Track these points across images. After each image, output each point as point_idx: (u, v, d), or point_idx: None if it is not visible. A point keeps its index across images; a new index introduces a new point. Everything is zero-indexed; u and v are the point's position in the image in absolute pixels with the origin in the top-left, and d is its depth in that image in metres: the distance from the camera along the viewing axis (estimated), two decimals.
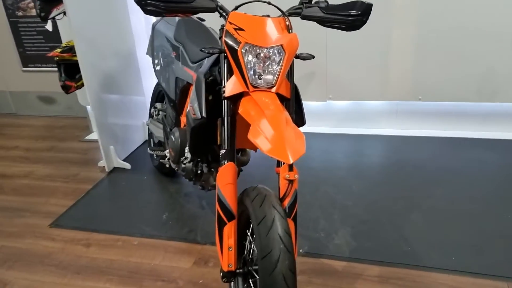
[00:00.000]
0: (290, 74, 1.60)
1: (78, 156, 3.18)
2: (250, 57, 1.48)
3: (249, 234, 1.56)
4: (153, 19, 2.97)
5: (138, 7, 1.48)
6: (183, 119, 2.14)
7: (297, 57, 1.62)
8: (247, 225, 1.57)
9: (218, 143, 1.57)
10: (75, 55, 2.57)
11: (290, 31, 1.56)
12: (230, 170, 1.49)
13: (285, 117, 1.38)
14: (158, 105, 2.61)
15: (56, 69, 2.86)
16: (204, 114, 1.59)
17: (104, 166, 2.89)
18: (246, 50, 1.46)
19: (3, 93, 4.05)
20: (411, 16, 2.79)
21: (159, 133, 2.46)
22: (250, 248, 1.57)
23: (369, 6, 1.61)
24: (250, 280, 1.51)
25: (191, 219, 2.32)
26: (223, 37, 1.49)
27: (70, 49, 2.74)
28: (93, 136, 3.41)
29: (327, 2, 1.67)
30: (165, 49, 2.30)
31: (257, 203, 1.40)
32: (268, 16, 1.60)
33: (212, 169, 1.98)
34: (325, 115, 3.30)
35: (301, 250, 2.01)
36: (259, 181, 2.48)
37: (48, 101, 3.96)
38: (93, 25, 2.65)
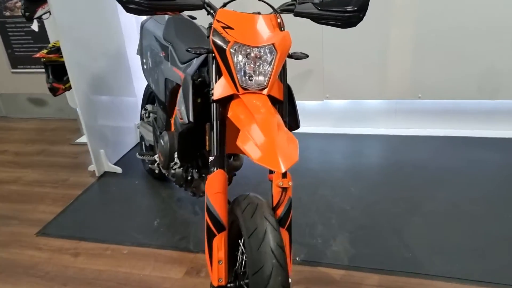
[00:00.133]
0: (282, 75, 1.51)
1: (68, 160, 3.09)
2: (240, 57, 1.39)
3: (241, 244, 1.48)
4: (142, 17, 2.87)
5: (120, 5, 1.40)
6: (173, 122, 2.06)
7: (290, 56, 1.53)
8: (240, 234, 1.48)
9: (207, 149, 1.48)
10: (63, 56, 2.47)
11: (282, 29, 1.47)
12: (220, 178, 1.40)
13: (277, 121, 1.30)
14: (149, 106, 2.52)
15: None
16: (191, 119, 1.50)
17: (94, 171, 2.79)
18: (235, 50, 1.38)
19: None
20: (411, 12, 2.70)
21: (149, 137, 2.37)
22: (242, 260, 1.48)
23: (366, 2, 1.52)
24: None
25: (183, 226, 2.23)
26: (211, 36, 1.40)
27: (57, 50, 2.64)
28: (84, 139, 3.29)
29: None
30: (154, 49, 2.21)
31: (248, 214, 1.31)
32: (259, 13, 1.51)
33: (203, 175, 1.89)
34: (322, 115, 3.21)
35: (297, 258, 1.92)
36: (255, 184, 2.41)
37: (39, 103, 3.87)
38: (80, 24, 2.55)
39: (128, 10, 1.40)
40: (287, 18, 1.57)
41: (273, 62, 1.41)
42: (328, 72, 2.97)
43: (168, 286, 1.84)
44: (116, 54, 2.89)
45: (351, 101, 3.14)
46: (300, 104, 3.16)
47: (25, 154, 3.25)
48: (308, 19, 1.56)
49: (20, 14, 2.78)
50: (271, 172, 1.43)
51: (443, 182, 2.43)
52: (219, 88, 1.42)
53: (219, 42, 1.38)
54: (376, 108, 3.11)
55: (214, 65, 1.46)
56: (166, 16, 2.27)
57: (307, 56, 1.55)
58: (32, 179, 2.86)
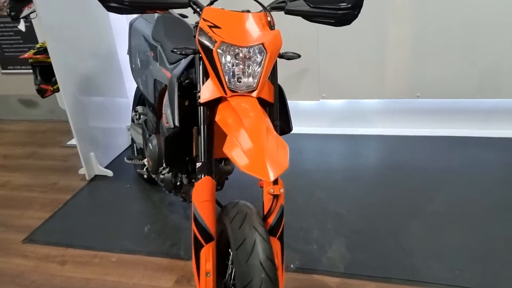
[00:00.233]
0: (273, 76, 1.44)
1: (59, 163, 3.02)
2: (228, 58, 1.31)
3: (232, 253, 1.40)
4: (132, 16, 2.79)
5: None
6: (160, 125, 1.98)
7: (281, 56, 1.46)
8: (229, 244, 1.42)
9: (194, 155, 1.41)
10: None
11: (273, 27, 1.40)
12: (207, 185, 1.33)
13: (267, 126, 1.22)
14: (139, 108, 2.44)
15: None
16: (176, 123, 1.42)
17: (84, 174, 2.72)
18: (222, 50, 1.30)
19: None
20: (409, 9, 2.62)
21: (139, 139, 2.29)
22: (232, 271, 1.41)
23: None
24: None
25: (175, 231, 2.16)
26: (197, 36, 1.33)
27: (45, 50, 2.56)
28: (75, 141, 3.24)
29: None
30: (142, 49, 2.13)
31: (236, 224, 1.24)
32: (248, 11, 1.43)
33: (193, 180, 1.81)
34: (318, 115, 3.13)
35: (291, 265, 1.85)
36: (248, 187, 2.33)
37: (30, 104, 3.79)
38: (68, 23, 2.47)
39: (109, 8, 1.33)
40: (280, 15, 1.50)
41: (262, 62, 1.34)
42: (324, 71, 2.89)
43: None
44: (106, 54, 2.81)
45: (348, 101, 3.07)
46: (295, 104, 3.14)
47: (15, 157, 3.18)
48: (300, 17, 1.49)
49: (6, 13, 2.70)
50: None
51: (442, 184, 2.36)
52: (206, 91, 1.35)
53: (206, 42, 1.31)
54: (374, 108, 3.04)
55: (201, 66, 1.39)
56: (156, 15, 2.19)
57: (299, 56, 1.47)
58: (21, 183, 2.79)
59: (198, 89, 1.37)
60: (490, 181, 2.35)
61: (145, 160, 2.06)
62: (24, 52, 2.68)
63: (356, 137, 3.00)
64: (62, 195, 2.59)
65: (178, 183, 1.80)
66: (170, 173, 1.81)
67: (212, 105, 1.37)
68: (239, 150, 1.14)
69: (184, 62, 1.60)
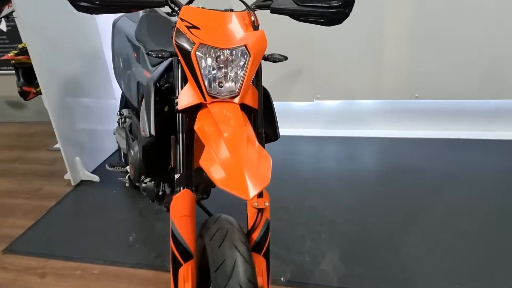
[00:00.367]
0: (257, 80, 1.34)
1: (44, 167, 2.92)
2: (207, 61, 1.21)
3: (211, 275, 1.30)
4: (116, 15, 2.68)
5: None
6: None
7: (266, 59, 1.35)
8: None
9: (172, 165, 1.31)
10: None
11: (257, 28, 1.30)
12: (186, 199, 1.23)
13: (248, 136, 1.12)
14: (125, 111, 2.34)
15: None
16: (152, 132, 1.32)
17: (70, 179, 2.62)
18: (201, 53, 1.20)
19: None
20: (407, 5, 2.51)
21: (123, 145, 2.19)
22: None
23: None
24: None
25: (161, 241, 2.06)
26: (173, 37, 1.23)
27: (27, 51, 2.45)
28: (59, 145, 3.14)
29: None
30: (125, 50, 2.03)
31: (216, 243, 1.14)
32: (232, 10, 1.33)
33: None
34: (312, 117, 3.03)
35: (282, 279, 1.75)
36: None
37: (17, 106, 3.68)
38: (50, 22, 2.36)
39: (78, 8, 1.22)
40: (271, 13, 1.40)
41: (246, 66, 1.23)
42: (318, 71, 2.79)
43: None
44: (91, 54, 2.71)
45: (343, 102, 2.97)
46: (289, 105, 3.03)
47: (0, 161, 3.07)
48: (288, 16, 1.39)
49: None
50: None
51: (441, 190, 2.26)
52: (184, 97, 1.25)
53: (183, 44, 1.20)
54: (370, 109, 2.94)
55: (179, 70, 1.29)
56: (140, 13, 2.09)
57: (285, 58, 1.37)
58: (4, 189, 2.69)
59: (176, 95, 1.27)
60: (492, 187, 2.25)
61: (128, 167, 1.96)
62: (7, 53, 2.58)
63: (352, 139, 2.90)
64: (46, 201, 2.49)
65: (161, 193, 1.70)
66: (153, 182, 1.71)
67: (192, 111, 1.27)
68: (216, 163, 1.03)
69: (163, 65, 1.50)
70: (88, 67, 2.68)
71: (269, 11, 1.36)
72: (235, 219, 1.26)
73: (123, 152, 2.47)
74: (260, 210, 1.24)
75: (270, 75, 2.76)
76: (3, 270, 1.98)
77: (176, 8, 1.30)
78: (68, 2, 1.21)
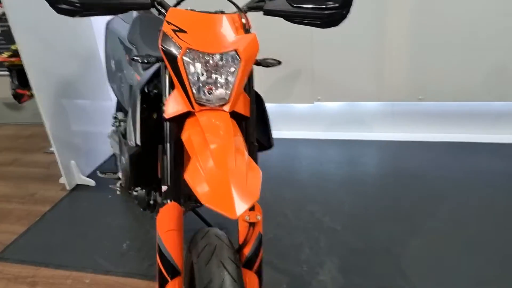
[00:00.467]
0: (249, 86, 1.27)
1: (40, 171, 2.87)
2: (195, 67, 1.15)
3: None
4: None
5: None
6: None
7: (258, 63, 1.29)
8: None
9: (159, 176, 1.25)
10: None
11: (248, 31, 1.23)
12: (173, 212, 1.17)
13: (237, 147, 1.06)
14: (120, 114, 2.27)
15: None
16: (138, 142, 1.26)
17: (65, 184, 2.57)
18: (188, 58, 1.13)
19: None
20: (410, 4, 2.43)
21: (117, 150, 2.13)
22: None
23: None
24: None
25: (154, 249, 1.99)
26: (159, 41, 1.16)
27: None
28: (54, 149, 3.09)
29: None
30: (117, 52, 1.97)
31: (203, 260, 1.07)
32: (222, 12, 1.26)
33: None
34: (313, 119, 2.96)
35: None
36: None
37: (15, 107, 3.64)
38: (42, 23, 2.30)
39: (59, 11, 1.16)
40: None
41: (236, 71, 1.17)
42: (319, 72, 2.72)
43: None
44: (86, 55, 2.64)
45: (344, 104, 2.90)
46: (288, 107, 2.96)
47: None
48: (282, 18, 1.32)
49: None
50: None
51: (446, 196, 2.19)
52: (172, 104, 1.19)
53: (169, 49, 1.14)
54: (372, 111, 2.87)
55: (166, 76, 1.22)
56: (134, 14, 2.03)
57: (279, 62, 1.30)
58: None
59: (163, 102, 1.21)
60: (499, 193, 2.17)
61: (120, 173, 1.90)
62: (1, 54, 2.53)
63: (353, 142, 2.83)
64: (40, 206, 2.44)
65: (152, 202, 1.64)
66: (144, 190, 1.64)
67: (180, 120, 1.20)
68: (201, 177, 0.97)
69: (152, 70, 1.43)
70: (83, 68, 2.62)
71: (262, 13, 1.29)
72: (226, 232, 1.19)
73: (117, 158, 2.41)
74: (252, 224, 1.18)
75: (269, 76, 2.69)
76: None
77: (163, 11, 1.24)
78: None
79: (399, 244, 1.88)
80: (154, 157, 1.40)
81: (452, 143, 2.68)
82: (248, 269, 1.17)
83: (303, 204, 2.23)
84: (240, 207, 0.90)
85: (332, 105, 2.92)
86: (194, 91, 1.15)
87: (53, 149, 2.52)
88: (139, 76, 1.68)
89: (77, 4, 1.13)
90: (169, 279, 1.13)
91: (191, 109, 1.16)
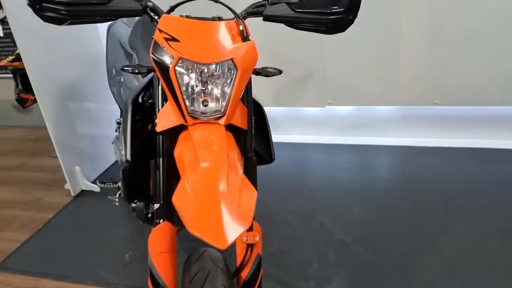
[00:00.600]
0: (247, 97, 1.19)
1: (46, 175, 2.83)
2: (188, 78, 1.07)
3: None
4: None
5: None
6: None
7: (257, 73, 1.20)
8: None
9: (151, 193, 1.18)
10: None
11: (246, 38, 1.14)
12: (166, 233, 1.10)
13: (232, 164, 0.98)
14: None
15: None
16: (128, 157, 1.19)
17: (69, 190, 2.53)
18: (181, 69, 1.06)
19: None
20: (424, 3, 2.32)
21: (119, 157, 2.07)
22: None
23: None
24: None
25: None
26: (150, 50, 1.09)
27: None
28: (58, 154, 3.05)
29: None
30: (118, 57, 1.91)
31: (196, 286, 1.00)
32: (220, 18, 1.18)
33: None
34: (324, 123, 2.87)
35: None
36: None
37: (23, 110, 3.61)
38: (45, 26, 2.23)
39: (45, 19, 1.10)
40: None
41: (232, 82, 1.09)
42: (330, 75, 2.62)
43: None
44: (92, 59, 2.59)
45: (356, 108, 2.80)
46: (299, 111, 2.86)
47: (3, 168, 3.01)
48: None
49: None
50: None
51: (464, 206, 2.07)
52: (164, 117, 1.12)
53: (161, 59, 1.07)
54: (386, 116, 2.76)
55: (159, 87, 1.15)
56: (136, 17, 1.97)
57: (280, 72, 1.22)
58: (4, 199, 2.61)
59: (155, 115, 1.14)
60: None
61: (119, 183, 1.84)
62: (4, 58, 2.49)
63: (366, 148, 2.73)
64: (44, 213, 2.40)
65: (150, 215, 1.57)
66: (142, 203, 1.58)
67: (174, 133, 1.13)
68: (189, 200, 0.89)
69: (147, 78, 1.36)
70: (87, 71, 2.57)
71: (261, 18, 1.21)
72: (223, 252, 1.11)
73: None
74: (250, 246, 1.10)
75: (279, 79, 2.59)
76: None
77: (156, 17, 1.17)
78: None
79: (412, 259, 1.78)
80: (146, 171, 1.33)
81: (470, 149, 2.56)
82: None
83: (312, 214, 2.14)
84: (230, 236, 0.82)
85: (343, 109, 2.82)
86: (187, 103, 1.08)
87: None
88: (138, 82, 1.61)
89: (63, 12, 1.06)
90: None
91: (183, 122, 1.09)
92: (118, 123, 2.24)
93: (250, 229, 1.11)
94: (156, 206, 1.13)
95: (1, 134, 3.59)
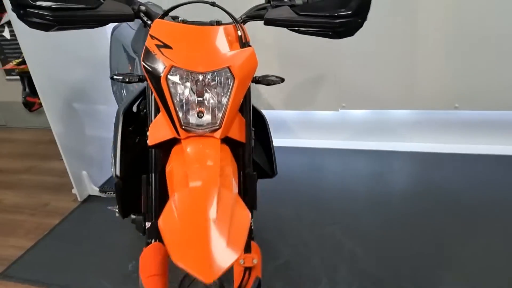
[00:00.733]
0: (245, 107, 1.10)
1: (55, 179, 2.80)
2: (181, 88, 0.99)
3: None
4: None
5: None
6: None
7: (257, 81, 1.12)
8: None
9: (142, 211, 1.11)
10: None
11: (245, 44, 1.06)
12: (157, 254, 1.03)
13: (225, 183, 0.90)
14: None
15: None
16: (117, 173, 1.11)
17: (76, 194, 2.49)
18: (174, 78, 0.98)
19: None
20: (444, 3, 2.19)
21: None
22: None
23: (367, 1, 1.09)
24: None
25: None
26: (142, 58, 1.01)
27: None
28: (64, 159, 3.02)
29: None
30: (121, 61, 1.85)
31: None
32: (218, 22, 1.10)
33: None
34: (337, 127, 2.76)
35: None
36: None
37: (36, 111, 3.60)
38: None
39: (31, 25, 1.03)
40: None
41: (229, 92, 1.01)
42: (343, 77, 2.51)
43: None
44: (99, 60, 2.52)
45: (372, 111, 2.68)
46: (312, 114, 2.76)
47: (12, 171, 2.99)
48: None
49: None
50: None
51: (488, 221, 1.94)
52: (156, 130, 1.04)
53: (152, 67, 0.99)
54: (403, 120, 2.64)
55: (152, 97, 1.08)
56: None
57: (282, 80, 1.13)
58: (12, 203, 2.59)
59: (147, 127, 1.06)
60: None
61: None
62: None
63: (381, 153, 2.61)
64: (50, 219, 2.36)
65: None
66: (141, 216, 1.51)
67: (167, 147, 1.06)
68: (175, 225, 0.81)
69: (141, 86, 1.29)
70: (94, 73, 2.52)
71: (262, 22, 1.13)
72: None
73: None
74: (248, 269, 1.02)
75: (291, 81, 2.51)
76: None
77: (149, 22, 1.09)
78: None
79: (429, 275, 1.67)
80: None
81: (494, 156, 2.41)
82: None
83: (323, 224, 2.04)
84: (218, 268, 0.74)
85: (358, 113, 2.71)
86: (180, 115, 1.00)
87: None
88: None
89: (49, 18, 0.99)
90: None
91: (176, 136, 1.01)
92: None
93: (248, 250, 1.02)
94: (148, 225, 1.05)
95: (14, 136, 3.59)
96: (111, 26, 2.55)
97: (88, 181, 2.48)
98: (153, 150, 1.05)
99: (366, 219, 2.05)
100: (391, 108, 2.57)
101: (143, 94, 1.26)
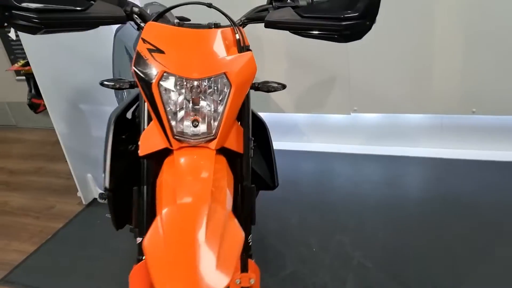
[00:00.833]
0: (243, 115, 1.03)
1: (61, 181, 2.78)
2: (174, 95, 0.93)
3: None
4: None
5: None
6: None
7: (257, 88, 1.05)
8: None
9: (133, 226, 1.05)
10: None
11: (244, 49, 0.99)
12: (148, 273, 0.96)
13: (218, 199, 0.83)
14: None
15: None
16: (106, 184, 1.06)
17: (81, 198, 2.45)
18: (166, 85, 0.92)
19: (1, 104, 3.73)
20: (462, 3, 2.09)
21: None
22: None
23: (375, 3, 1.01)
24: None
25: None
26: (132, 63, 0.95)
27: None
28: (68, 162, 3.00)
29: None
30: (124, 63, 1.80)
31: None
32: (216, 25, 1.04)
33: None
34: (348, 132, 2.67)
35: None
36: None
37: (45, 111, 3.59)
38: None
39: (17, 27, 0.98)
40: None
41: (225, 100, 0.94)
42: (355, 80, 2.42)
43: None
44: (104, 60, 2.47)
45: (384, 115, 2.58)
46: (322, 117, 2.68)
47: (20, 172, 2.98)
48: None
49: None
50: None
51: (508, 231, 1.84)
52: (147, 140, 0.98)
53: (144, 72, 0.93)
54: (417, 124, 2.54)
55: (145, 104, 1.02)
56: None
57: (284, 86, 1.06)
58: (18, 205, 2.57)
59: (139, 136, 1.00)
60: None
61: None
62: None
63: (394, 159, 2.51)
64: (54, 222, 2.34)
65: None
66: None
67: (160, 157, 1.00)
68: (159, 246, 0.75)
69: (135, 91, 1.23)
70: (99, 74, 2.44)
71: (263, 25, 1.06)
72: None
73: None
74: None
75: (300, 83, 2.43)
76: None
77: (143, 24, 1.03)
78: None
79: None
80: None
81: None
82: None
83: (332, 232, 1.96)
84: None
85: (370, 117, 2.62)
86: (173, 124, 0.94)
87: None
88: None
89: (35, 20, 0.94)
90: None
91: (168, 146, 0.95)
92: None
93: (245, 269, 0.96)
94: (139, 240, 0.99)
95: (23, 136, 3.58)
96: (115, 26, 2.51)
97: (93, 184, 2.45)
98: (144, 161, 0.99)
99: (377, 227, 1.97)
100: (405, 112, 2.48)
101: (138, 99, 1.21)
